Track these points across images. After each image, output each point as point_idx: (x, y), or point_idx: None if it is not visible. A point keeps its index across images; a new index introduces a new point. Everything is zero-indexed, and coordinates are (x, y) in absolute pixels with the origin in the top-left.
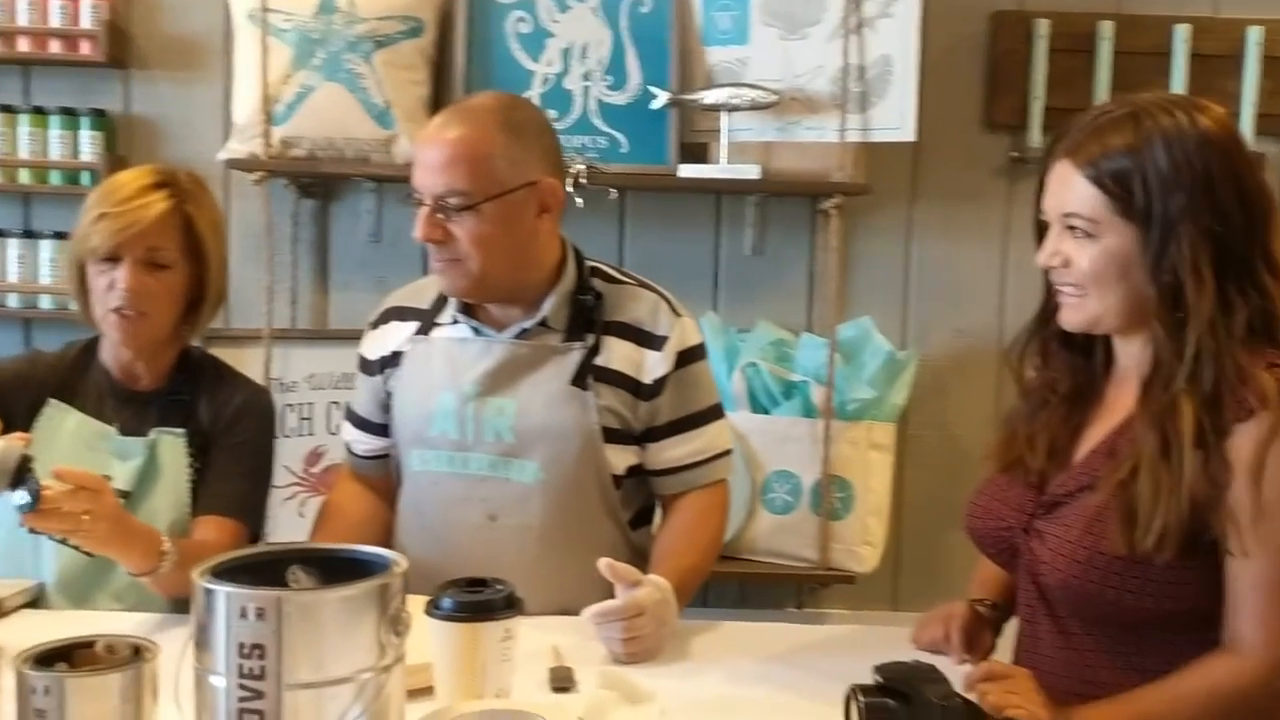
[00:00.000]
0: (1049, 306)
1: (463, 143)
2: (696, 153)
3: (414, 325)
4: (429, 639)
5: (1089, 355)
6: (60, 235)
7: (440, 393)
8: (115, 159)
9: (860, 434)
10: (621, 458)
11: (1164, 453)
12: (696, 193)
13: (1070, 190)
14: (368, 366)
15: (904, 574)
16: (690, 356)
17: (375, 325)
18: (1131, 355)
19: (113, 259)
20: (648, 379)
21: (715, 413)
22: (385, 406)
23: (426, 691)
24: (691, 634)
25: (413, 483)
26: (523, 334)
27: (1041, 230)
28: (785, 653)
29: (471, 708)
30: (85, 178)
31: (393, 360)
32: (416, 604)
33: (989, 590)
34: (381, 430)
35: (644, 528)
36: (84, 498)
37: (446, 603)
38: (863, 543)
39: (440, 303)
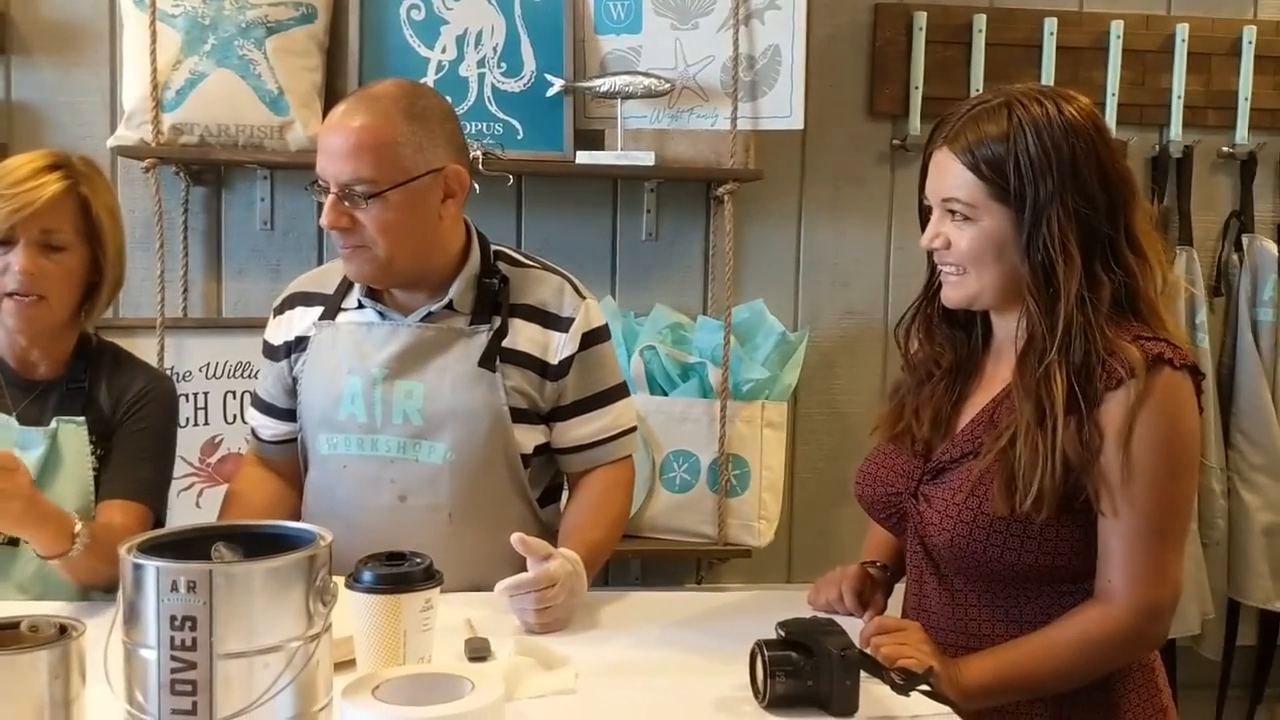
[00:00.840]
0: (932, 285)
1: (368, 131)
2: (592, 139)
3: (318, 310)
4: (350, 613)
5: (969, 331)
6: None
7: (347, 376)
8: None
9: (755, 413)
10: (529, 437)
11: (1039, 420)
12: (594, 179)
13: (949, 176)
14: (273, 352)
15: (798, 547)
16: (595, 338)
17: (279, 311)
18: (1007, 330)
19: (6, 242)
20: (554, 360)
21: (620, 391)
22: (291, 391)
23: (349, 664)
24: (601, 604)
25: (321, 466)
26: (429, 317)
27: (924, 214)
28: (689, 618)
29: (398, 672)
30: None
31: (298, 345)
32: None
33: (880, 553)
34: (288, 415)
35: (552, 505)
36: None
37: (367, 576)
38: (759, 518)
39: (345, 287)
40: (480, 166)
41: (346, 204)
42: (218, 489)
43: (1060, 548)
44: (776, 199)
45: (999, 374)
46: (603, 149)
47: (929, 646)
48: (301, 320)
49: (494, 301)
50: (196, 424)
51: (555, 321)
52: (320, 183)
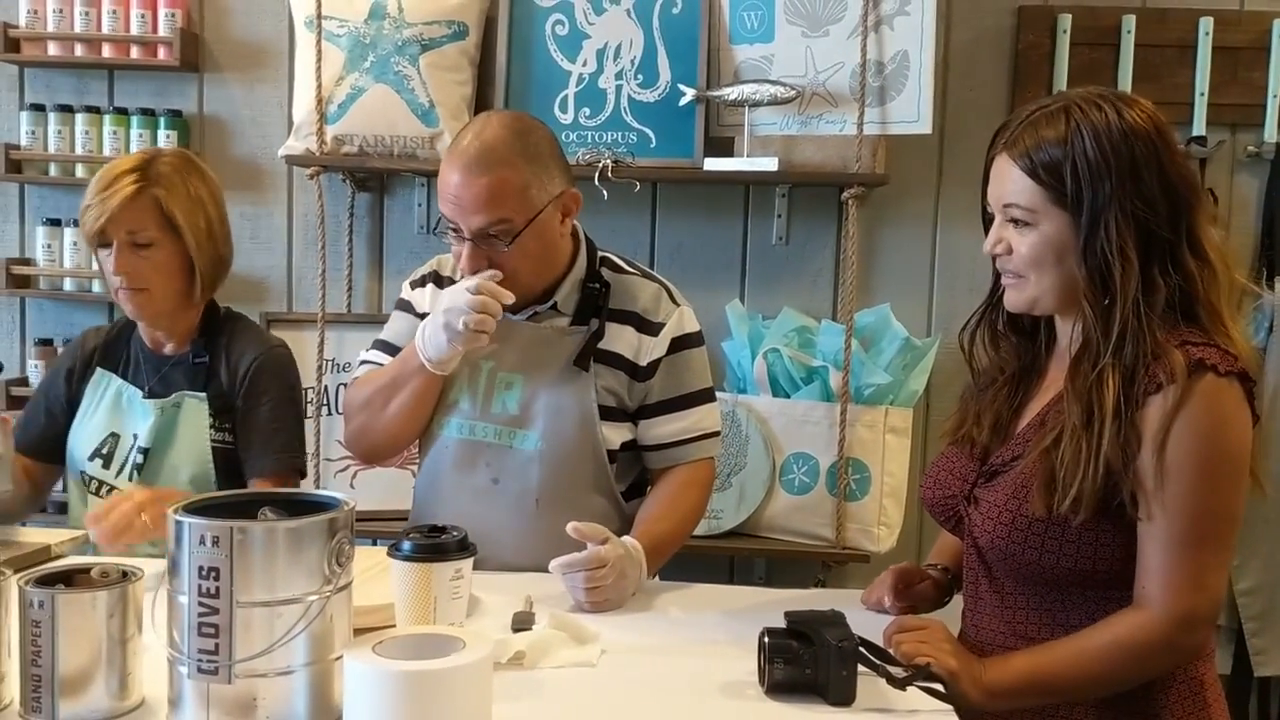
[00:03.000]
0: (997, 291)
1: (495, 182)
2: (723, 146)
3: None
4: (390, 579)
5: (1034, 338)
6: None
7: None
8: None
9: (878, 418)
10: (616, 434)
11: (1087, 422)
12: (726, 184)
13: (1008, 182)
14: (410, 309)
15: (926, 553)
16: (684, 343)
17: (421, 283)
18: (1068, 334)
19: (106, 244)
20: (644, 362)
21: (705, 396)
22: None
23: (390, 629)
24: (661, 591)
25: (429, 445)
26: (534, 316)
27: (988, 221)
28: (737, 610)
29: (402, 632)
30: None
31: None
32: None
33: (946, 556)
34: None
35: (638, 499)
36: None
37: (406, 545)
38: (879, 524)
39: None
40: (609, 174)
41: (484, 247)
42: (370, 472)
43: (1100, 552)
44: (911, 203)
45: (1059, 379)
46: (732, 155)
47: (949, 646)
48: (434, 299)
49: (595, 305)
50: None
51: (649, 326)
52: (451, 226)
